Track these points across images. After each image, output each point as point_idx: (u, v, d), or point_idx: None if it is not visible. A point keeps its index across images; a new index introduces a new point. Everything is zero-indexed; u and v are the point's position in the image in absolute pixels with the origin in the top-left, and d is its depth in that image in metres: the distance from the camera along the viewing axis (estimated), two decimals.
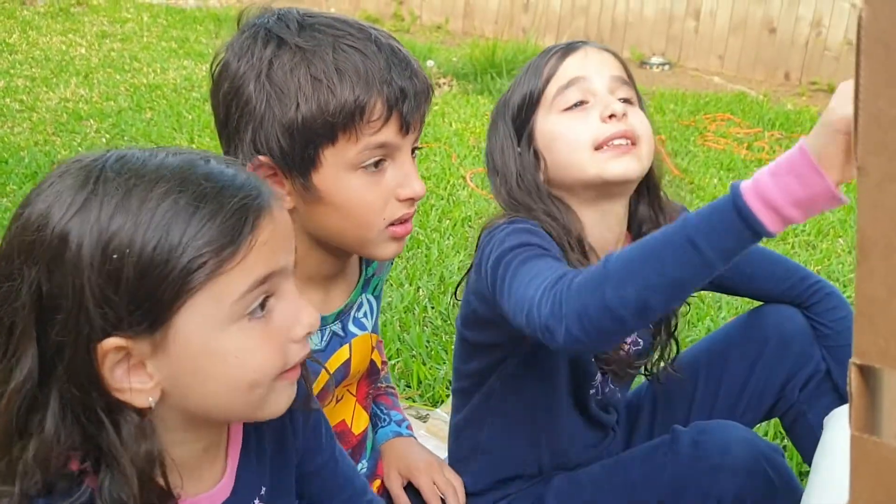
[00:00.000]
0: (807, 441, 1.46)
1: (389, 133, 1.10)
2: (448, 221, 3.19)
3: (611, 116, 1.29)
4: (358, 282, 1.30)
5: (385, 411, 1.48)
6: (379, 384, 1.52)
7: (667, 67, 6.42)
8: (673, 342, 1.53)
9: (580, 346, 1.03)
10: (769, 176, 0.92)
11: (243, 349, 0.80)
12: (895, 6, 0.39)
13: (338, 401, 1.31)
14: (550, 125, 1.34)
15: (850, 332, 1.45)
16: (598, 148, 1.29)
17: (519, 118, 1.37)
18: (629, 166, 1.28)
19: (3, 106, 4.26)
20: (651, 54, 6.53)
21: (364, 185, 1.11)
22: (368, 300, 1.32)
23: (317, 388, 1.21)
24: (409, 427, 1.49)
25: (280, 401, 0.87)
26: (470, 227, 3.19)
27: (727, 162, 4.15)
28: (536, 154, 1.35)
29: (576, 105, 1.32)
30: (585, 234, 1.33)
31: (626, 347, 1.46)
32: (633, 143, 1.30)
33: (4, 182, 3.25)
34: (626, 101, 1.34)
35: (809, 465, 1.55)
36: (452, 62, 5.75)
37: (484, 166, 3.81)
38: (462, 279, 1.50)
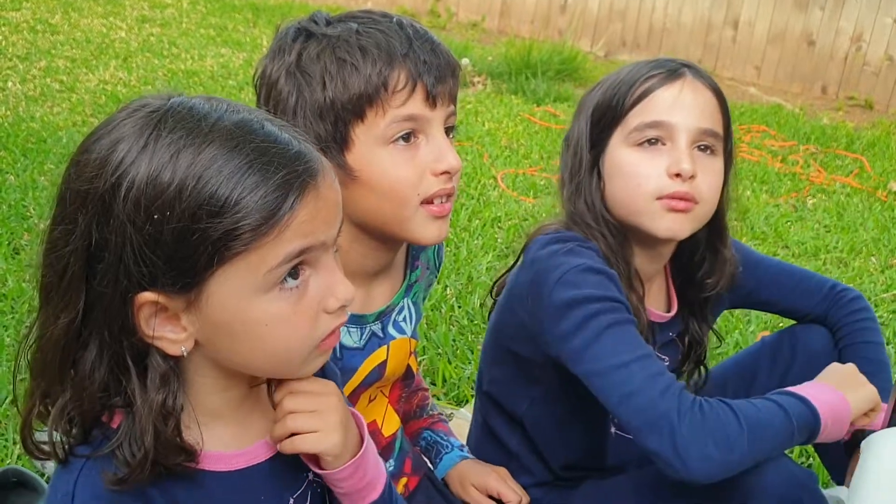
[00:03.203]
0: (835, 455, 1.46)
1: (416, 105, 1.11)
2: (478, 221, 3.19)
3: (677, 175, 1.26)
4: (401, 286, 1.31)
5: (445, 438, 1.51)
6: (431, 412, 1.55)
7: None
8: (702, 368, 1.54)
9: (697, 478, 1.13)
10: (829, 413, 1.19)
11: (274, 318, 0.82)
12: None
13: (370, 401, 1.32)
14: (620, 158, 1.32)
15: (865, 332, 1.53)
16: (658, 198, 1.27)
17: (596, 129, 1.35)
18: (681, 227, 1.28)
19: (43, 86, 4.31)
20: None
21: (397, 160, 1.12)
22: (409, 306, 1.33)
23: (349, 388, 1.22)
24: (468, 451, 1.52)
25: (312, 367, 0.90)
26: (499, 227, 3.19)
27: (761, 174, 4.12)
28: (600, 176, 1.35)
29: (650, 142, 1.29)
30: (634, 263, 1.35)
31: None
32: (694, 202, 1.28)
33: (42, 161, 3.30)
34: (705, 148, 1.30)
35: (835, 480, 1.54)
36: (487, 61, 5.75)
37: (514, 167, 3.76)
38: (500, 278, 1.49)
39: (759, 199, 3.79)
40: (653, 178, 1.28)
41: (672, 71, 1.31)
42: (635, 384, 1.15)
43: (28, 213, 2.83)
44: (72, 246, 0.79)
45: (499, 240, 3.07)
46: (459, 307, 2.56)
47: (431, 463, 1.50)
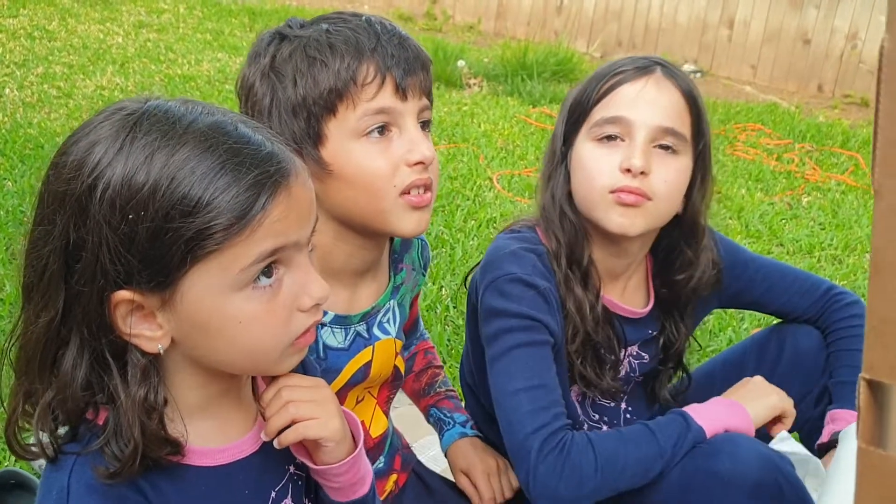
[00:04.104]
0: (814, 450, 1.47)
1: (386, 98, 1.13)
2: (473, 222, 3.21)
3: (628, 170, 1.27)
4: (387, 287, 1.32)
5: (448, 414, 1.53)
6: (438, 389, 1.57)
7: (698, 75, 6.39)
8: (683, 371, 1.56)
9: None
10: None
11: (247, 316, 0.84)
12: None
13: (358, 402, 1.33)
14: (582, 152, 1.34)
15: (858, 339, 1.52)
16: (611, 192, 1.29)
17: (569, 123, 1.37)
18: (631, 222, 1.29)
19: (41, 92, 4.33)
20: (683, 62, 6.50)
21: (370, 153, 1.14)
22: (395, 307, 1.34)
23: (334, 388, 1.23)
24: (472, 426, 1.53)
25: (288, 365, 0.92)
26: (495, 228, 3.21)
27: (756, 172, 4.14)
28: (567, 171, 1.37)
29: (608, 137, 1.31)
30: (594, 258, 1.36)
31: (625, 364, 1.47)
32: (646, 198, 1.28)
33: (40, 167, 3.30)
34: (665, 148, 1.30)
35: None
36: (483, 63, 5.76)
37: (510, 168, 3.79)
38: (473, 269, 1.51)
39: (754, 198, 3.81)
40: (606, 173, 1.29)
41: (641, 68, 1.32)
42: (516, 416, 1.25)
43: (26, 219, 2.85)
44: (50, 246, 0.81)
45: None
46: (454, 307, 2.57)
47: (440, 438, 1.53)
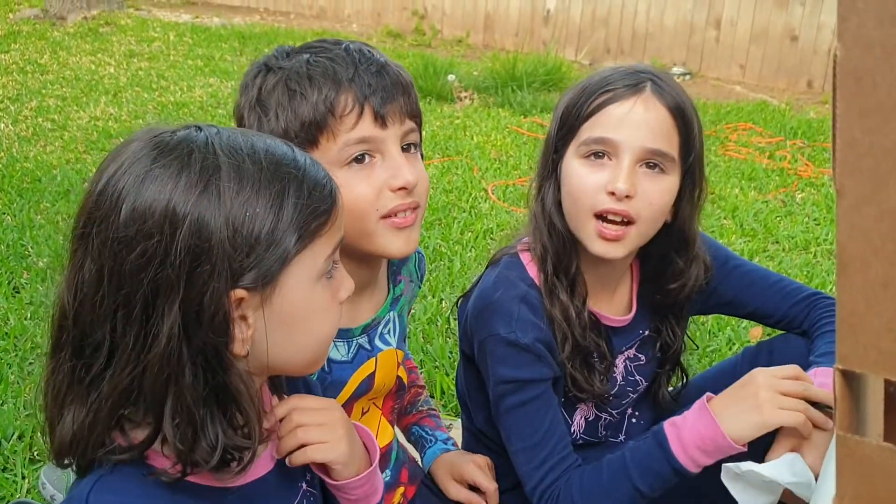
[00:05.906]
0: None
1: (366, 127, 1.15)
2: (470, 234, 3.23)
3: (612, 193, 1.27)
4: (386, 299, 1.34)
5: (430, 432, 1.55)
6: (420, 408, 1.59)
7: (688, 77, 6.44)
8: (680, 371, 1.57)
9: None
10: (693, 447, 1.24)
11: (325, 303, 0.93)
12: (865, 46, 0.43)
13: (363, 413, 1.36)
14: (570, 167, 1.34)
15: (829, 335, 1.48)
16: (595, 213, 1.29)
17: (560, 133, 1.37)
18: (614, 250, 1.30)
19: (35, 125, 4.37)
20: (672, 64, 6.55)
21: (353, 179, 1.16)
22: (394, 318, 1.37)
23: (339, 401, 1.26)
24: (454, 444, 1.55)
25: (319, 366, 0.99)
26: (492, 239, 3.23)
27: (749, 171, 4.17)
28: (558, 182, 1.37)
29: (596, 155, 1.31)
30: (582, 268, 1.38)
31: (621, 369, 1.49)
32: (630, 223, 1.29)
33: (38, 200, 3.34)
34: (654, 166, 1.30)
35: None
36: (473, 76, 5.81)
37: (504, 178, 3.79)
38: (459, 299, 1.53)
39: (748, 197, 3.83)
40: (590, 194, 1.29)
41: (631, 86, 1.31)
42: (521, 472, 1.36)
43: (27, 252, 2.88)
44: (171, 257, 0.81)
45: (492, 251, 3.10)
46: (455, 319, 2.59)
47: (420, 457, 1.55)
